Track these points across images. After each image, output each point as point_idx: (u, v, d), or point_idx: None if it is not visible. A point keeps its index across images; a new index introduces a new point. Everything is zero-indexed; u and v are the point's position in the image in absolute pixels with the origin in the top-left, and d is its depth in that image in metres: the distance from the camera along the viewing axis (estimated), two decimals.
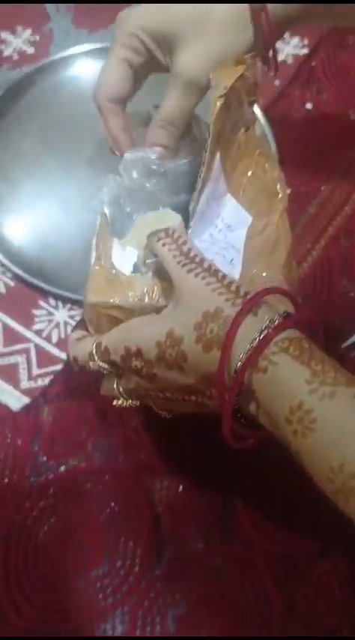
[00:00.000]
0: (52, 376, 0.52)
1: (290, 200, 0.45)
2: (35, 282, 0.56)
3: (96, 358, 0.37)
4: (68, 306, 0.56)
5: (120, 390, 0.38)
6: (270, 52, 0.44)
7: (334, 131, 0.63)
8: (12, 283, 0.57)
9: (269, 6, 0.40)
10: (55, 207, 0.60)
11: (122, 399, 0.39)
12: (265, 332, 0.31)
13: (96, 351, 0.37)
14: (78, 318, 0.55)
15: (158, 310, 0.36)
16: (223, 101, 0.38)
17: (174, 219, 0.42)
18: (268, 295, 0.33)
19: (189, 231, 0.39)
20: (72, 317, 0.56)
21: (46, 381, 0.52)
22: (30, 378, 0.52)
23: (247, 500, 0.47)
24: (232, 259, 0.42)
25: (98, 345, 0.37)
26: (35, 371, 0.53)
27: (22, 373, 0.52)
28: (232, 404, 0.32)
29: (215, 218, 0.43)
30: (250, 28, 0.40)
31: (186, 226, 0.41)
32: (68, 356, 0.42)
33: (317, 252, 0.57)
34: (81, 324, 0.47)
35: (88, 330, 0.41)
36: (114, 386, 0.38)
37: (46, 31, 0.70)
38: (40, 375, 0.53)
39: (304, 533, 0.45)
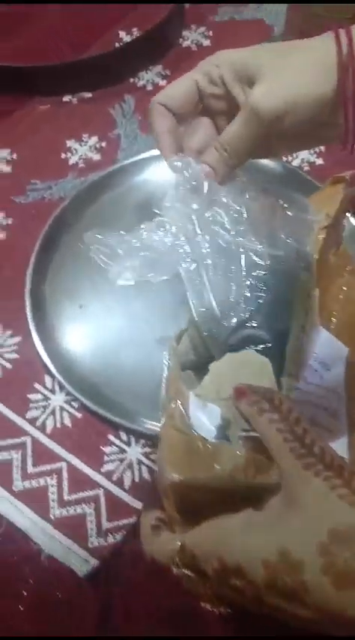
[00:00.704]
0: (123, 531, 0.45)
1: None
2: (104, 414, 0.50)
3: (179, 563, 0.29)
4: (142, 441, 0.49)
5: (210, 593, 0.30)
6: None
7: None
8: (79, 415, 0.51)
9: None
10: (125, 331, 0.55)
11: (211, 603, 0.31)
12: None
13: (179, 556, 0.29)
14: (153, 456, 0.48)
15: (256, 498, 0.28)
16: (326, 233, 0.32)
17: (258, 363, 0.35)
18: None
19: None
20: (146, 455, 0.49)
21: (117, 537, 0.45)
22: (99, 534, 0.45)
23: None
24: (336, 411, 0.34)
25: (182, 549, 0.29)
26: (105, 524, 0.46)
27: (91, 528, 0.45)
28: None
29: (308, 358, 0.36)
30: (332, 77, 0.37)
31: (275, 370, 0.34)
32: (143, 548, 0.33)
33: None
34: (153, 497, 0.38)
35: (162, 506, 0.34)
36: (201, 588, 0.30)
37: (112, 137, 0.67)
38: (111, 530, 0.45)
39: None
